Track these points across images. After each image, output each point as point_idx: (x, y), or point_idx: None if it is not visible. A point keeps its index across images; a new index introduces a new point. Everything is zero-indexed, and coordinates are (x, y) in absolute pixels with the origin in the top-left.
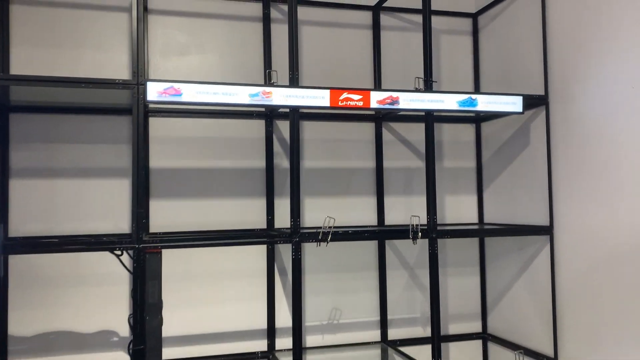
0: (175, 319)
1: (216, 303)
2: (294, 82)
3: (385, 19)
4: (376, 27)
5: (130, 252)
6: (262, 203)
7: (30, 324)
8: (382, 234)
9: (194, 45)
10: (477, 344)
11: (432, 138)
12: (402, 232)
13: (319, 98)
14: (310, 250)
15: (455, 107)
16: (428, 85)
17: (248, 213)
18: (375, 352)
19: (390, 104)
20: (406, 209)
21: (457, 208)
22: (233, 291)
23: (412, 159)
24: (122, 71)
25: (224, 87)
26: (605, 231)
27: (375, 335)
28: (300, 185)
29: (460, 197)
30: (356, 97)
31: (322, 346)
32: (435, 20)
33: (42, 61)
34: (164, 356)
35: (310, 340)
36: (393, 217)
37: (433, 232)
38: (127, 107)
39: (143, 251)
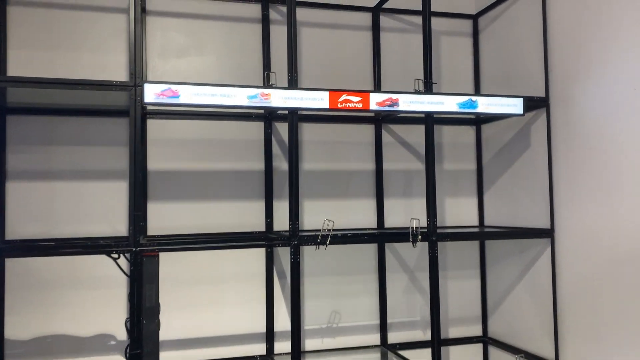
0: (173, 323)
1: (215, 306)
2: (292, 83)
3: (384, 20)
4: (376, 29)
5: (128, 255)
6: (261, 205)
7: (27, 328)
8: (381, 237)
9: (192, 47)
10: (478, 347)
11: (432, 140)
12: (401, 235)
13: (318, 100)
14: (309, 253)
15: (455, 109)
16: (428, 87)
17: (247, 216)
18: (375, 356)
19: (389, 105)
20: (406, 211)
21: (458, 210)
22: (232, 294)
23: (412, 161)
24: (120, 73)
25: (222, 89)
26: (606, 234)
27: (374, 338)
28: (300, 187)
29: (461, 200)
30: (355, 99)
31: (322, 350)
32: (435, 22)
33: (39, 63)
34: None
35: (309, 344)
36: (393, 219)
37: (433, 235)
38: (125, 109)
39: (140, 254)
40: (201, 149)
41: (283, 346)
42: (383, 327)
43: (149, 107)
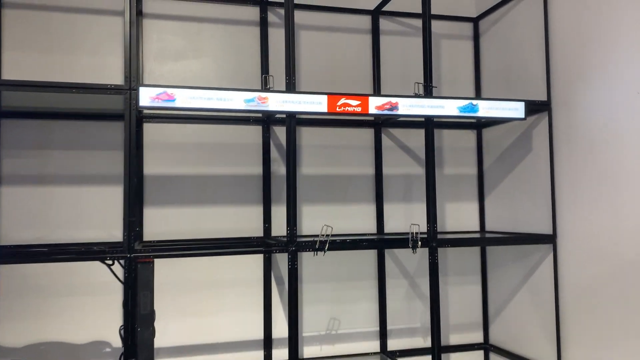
0: (169, 329)
1: (211, 313)
2: (290, 87)
3: (384, 23)
4: (375, 32)
5: (122, 261)
6: (259, 210)
7: (21, 334)
8: (380, 243)
9: (190, 50)
10: (479, 354)
11: (432, 144)
12: (401, 241)
13: (316, 104)
14: (308, 258)
15: (455, 112)
16: (428, 90)
17: (244, 221)
18: None
19: (389, 109)
20: (406, 216)
21: (458, 215)
22: (229, 300)
23: (412, 166)
24: (117, 76)
25: (219, 93)
26: (610, 239)
27: (374, 346)
28: (298, 192)
29: (461, 205)
30: (354, 102)
31: (320, 357)
32: (436, 25)
33: (35, 66)
34: None
35: (308, 351)
36: (393, 224)
37: (433, 241)
38: (121, 112)
39: (135, 261)
40: (198, 153)
41: (281, 353)
42: (383, 334)
43: (145, 111)
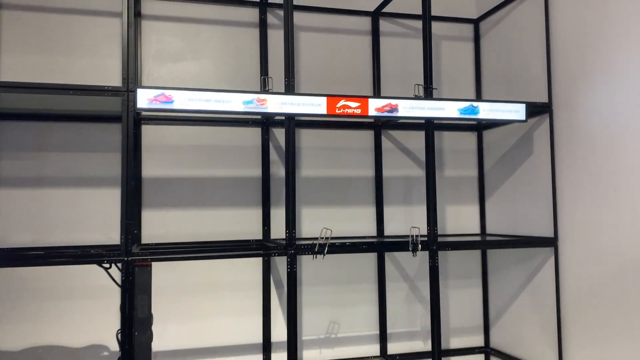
0: (167, 333)
1: (210, 316)
2: (289, 89)
3: (384, 24)
4: (375, 33)
5: (119, 265)
6: (258, 213)
7: (18, 338)
8: (380, 246)
9: (188, 51)
10: (480, 358)
11: (432, 146)
12: (401, 244)
13: (315, 105)
14: (307, 261)
15: (456, 114)
16: (428, 92)
17: (243, 223)
18: None
19: (389, 111)
20: (406, 218)
21: (459, 218)
22: (227, 304)
23: (412, 168)
24: (116, 78)
25: (217, 94)
26: (612, 242)
27: (374, 349)
28: (297, 194)
29: (462, 207)
30: (354, 104)
31: None
32: (436, 26)
33: (32, 67)
34: None
35: (307, 355)
36: (393, 227)
37: (433, 244)
38: (119, 114)
39: (132, 264)
40: (197, 155)
41: (280, 357)
42: (383, 338)
43: (143, 113)
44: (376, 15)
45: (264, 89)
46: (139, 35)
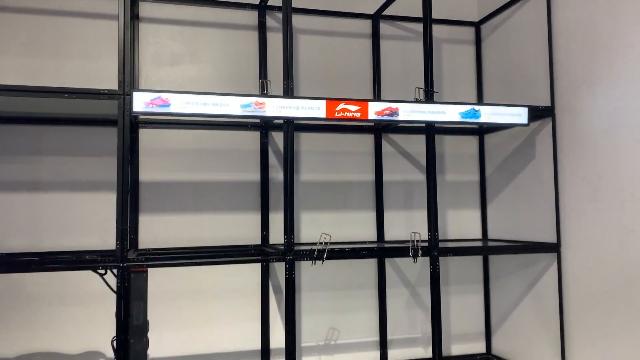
0: (163, 340)
1: (207, 322)
2: (288, 92)
3: (384, 27)
4: (375, 36)
5: (115, 271)
6: (256, 218)
7: (12, 344)
8: (380, 252)
9: (187, 54)
10: None
11: (433, 150)
12: (401, 249)
13: (314, 109)
14: (307, 267)
15: (457, 118)
16: (429, 95)
17: (242, 228)
18: None
19: (389, 115)
20: (407, 223)
21: (460, 223)
22: (225, 310)
23: (413, 172)
24: (113, 81)
25: (214, 98)
26: (616, 248)
27: (374, 356)
28: (296, 199)
29: (463, 212)
30: (353, 108)
31: None
32: (437, 29)
33: (28, 70)
34: None
35: None
36: (393, 232)
37: (434, 249)
38: (115, 118)
39: (128, 270)
40: (195, 159)
41: None
42: (383, 344)
43: (141, 117)
44: (376, 18)
45: (263, 92)
46: (136, 38)
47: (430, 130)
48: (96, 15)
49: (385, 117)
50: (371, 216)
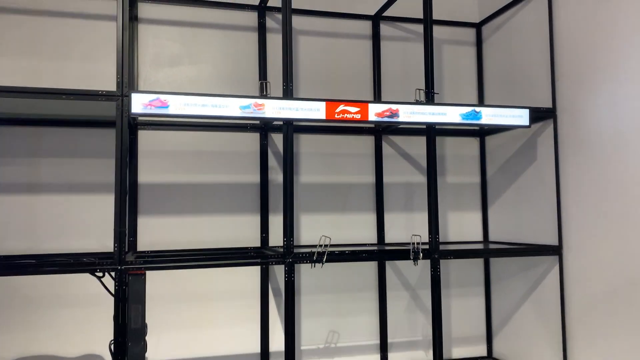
0: (162, 343)
1: (206, 325)
2: (287, 93)
3: (385, 28)
4: (376, 37)
5: (113, 273)
6: (256, 220)
7: (9, 347)
8: (380, 254)
9: (186, 55)
10: None
11: (434, 152)
12: (402, 252)
13: (314, 110)
14: (306, 269)
15: (458, 120)
16: (429, 97)
17: (241, 230)
18: None
19: (389, 116)
20: (407, 225)
21: (461, 225)
22: (224, 313)
23: (414, 174)
24: (111, 83)
25: (213, 99)
26: (618, 250)
27: (374, 359)
28: (296, 201)
29: (464, 214)
30: (353, 109)
31: None
32: (438, 30)
33: (26, 72)
34: None
35: None
36: (394, 234)
37: (435, 252)
38: (114, 119)
39: (125, 273)
40: (195, 161)
41: None
42: (383, 347)
43: (140, 118)
44: (377, 19)
45: (263, 93)
46: (135, 39)
47: (431, 132)
48: (95, 16)
49: (386, 119)
50: (371, 218)
